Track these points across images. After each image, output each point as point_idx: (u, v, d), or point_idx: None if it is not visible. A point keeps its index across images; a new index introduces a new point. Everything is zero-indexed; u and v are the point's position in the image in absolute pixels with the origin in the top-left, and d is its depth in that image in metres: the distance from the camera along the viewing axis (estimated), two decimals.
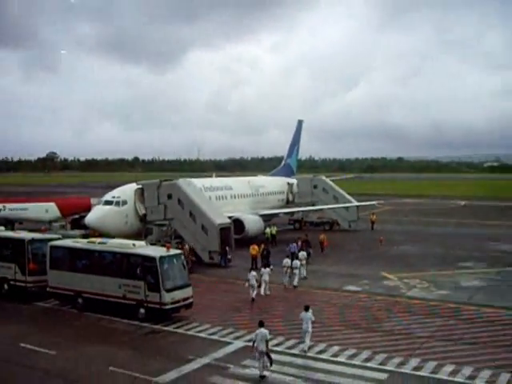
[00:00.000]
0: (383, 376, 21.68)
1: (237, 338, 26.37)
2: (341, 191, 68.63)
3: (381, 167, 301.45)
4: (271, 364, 22.18)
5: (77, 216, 58.20)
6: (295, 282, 36.82)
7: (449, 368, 22.35)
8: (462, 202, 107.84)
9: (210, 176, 71.50)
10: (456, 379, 21.34)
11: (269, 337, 22.22)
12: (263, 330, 21.97)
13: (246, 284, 33.54)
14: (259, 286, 34.20)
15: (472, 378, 21.43)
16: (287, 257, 39.30)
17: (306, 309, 25.07)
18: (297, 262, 37.36)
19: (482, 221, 76.94)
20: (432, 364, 22.82)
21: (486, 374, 21.75)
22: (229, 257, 43.51)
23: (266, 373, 21.77)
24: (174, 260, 29.75)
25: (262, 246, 42.80)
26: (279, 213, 65.67)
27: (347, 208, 66.45)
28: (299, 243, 44.72)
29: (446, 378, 21.51)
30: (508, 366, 22.57)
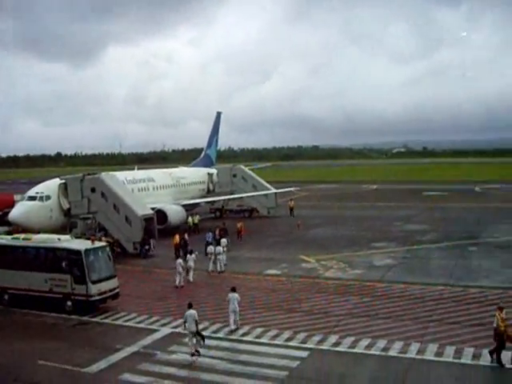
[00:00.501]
0: (304, 354, 22.79)
1: (163, 325, 27.11)
2: (259, 179, 70.05)
3: (297, 155, 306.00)
4: (203, 342, 23.35)
5: (0, 213, 56.87)
6: (219, 268, 38.03)
7: (365, 342, 23.77)
8: (374, 186, 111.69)
9: (132, 169, 71.30)
10: (371, 352, 22.76)
11: (197, 317, 23.20)
12: (192, 311, 23.13)
13: (180, 269, 34.46)
14: (187, 273, 35.17)
15: (386, 349, 22.91)
16: (211, 244, 40.45)
17: (233, 290, 26.38)
18: (220, 248, 38.44)
19: (391, 203, 80.00)
20: (350, 339, 24.17)
21: (398, 345, 23.30)
22: (147, 247, 44.07)
23: (199, 350, 22.79)
24: (100, 252, 30.20)
25: (177, 236, 43.53)
26: (200, 202, 66.57)
27: (266, 195, 67.95)
28: (217, 232, 45.75)
29: (362, 351, 22.89)
30: (418, 336, 24.29)
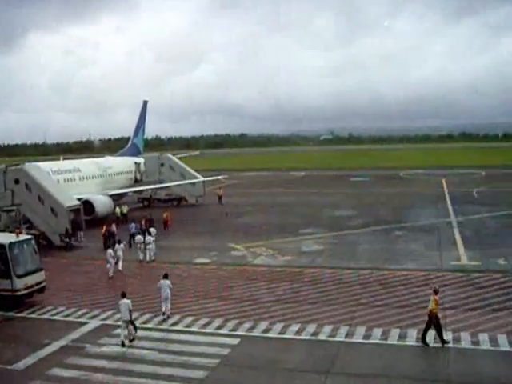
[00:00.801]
0: (235, 341, 22.93)
1: (92, 317, 26.66)
2: (187, 168, 69.83)
3: (225, 143, 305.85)
4: (136, 331, 23.37)
5: None
6: (149, 257, 37.88)
7: (295, 327, 24.10)
8: (302, 173, 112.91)
9: (58, 159, 69.67)
10: (301, 337, 23.12)
11: (131, 306, 23.17)
12: (126, 300, 23.13)
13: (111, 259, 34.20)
14: (116, 263, 34.77)
15: (316, 334, 23.31)
16: (139, 233, 40.15)
17: (165, 276, 26.42)
18: (150, 238, 38.17)
19: (319, 189, 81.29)
20: (279, 325, 24.45)
21: (327, 329, 23.74)
22: (72, 241, 43.27)
23: (131, 340, 22.99)
24: (25, 245, 29.32)
25: (105, 227, 43.01)
26: (128, 192, 65.71)
27: (194, 184, 67.81)
28: (143, 222, 45.39)
29: (292, 336, 23.23)
30: (347, 319, 24.82)
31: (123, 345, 22.55)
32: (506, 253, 36.45)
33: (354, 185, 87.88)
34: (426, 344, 21.66)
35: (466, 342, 21.86)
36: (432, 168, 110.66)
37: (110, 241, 40.78)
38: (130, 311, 23.05)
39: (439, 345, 21.64)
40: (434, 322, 21.83)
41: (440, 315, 22.54)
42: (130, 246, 40.52)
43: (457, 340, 22.06)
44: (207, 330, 24.35)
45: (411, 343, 22.03)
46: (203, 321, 25.54)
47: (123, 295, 23.51)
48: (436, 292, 22.52)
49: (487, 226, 47.28)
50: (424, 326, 22.19)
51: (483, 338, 22.24)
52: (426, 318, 22.11)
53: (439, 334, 21.84)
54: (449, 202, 62.29)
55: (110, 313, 26.82)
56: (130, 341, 22.97)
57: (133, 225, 44.07)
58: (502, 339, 22.03)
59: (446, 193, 71.53)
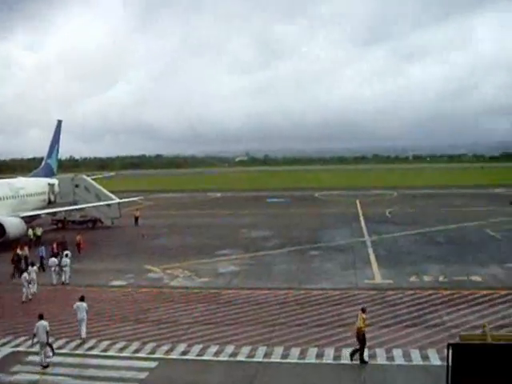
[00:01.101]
0: (153, 364, 22.63)
1: (3, 344, 25.64)
2: (102, 189, 68.65)
3: (141, 164, 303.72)
4: (53, 354, 22.97)
5: None
6: (64, 280, 37.02)
7: (213, 349, 24.03)
8: (218, 194, 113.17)
9: None
10: (220, 358, 23.05)
11: (49, 328, 22.78)
12: (43, 322, 22.75)
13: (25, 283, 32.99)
14: (29, 286, 33.66)
15: (234, 355, 23.32)
16: (51, 256, 39.10)
17: (82, 299, 26.11)
18: (66, 260, 37.36)
19: (236, 211, 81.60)
20: (198, 347, 24.31)
21: (246, 350, 23.80)
22: None
23: (48, 360, 22.58)
24: None
25: (17, 250, 41.57)
26: (41, 214, 63.83)
27: (109, 205, 66.63)
28: (54, 245, 44.27)
29: (210, 358, 23.12)
30: (265, 340, 24.96)
31: (44, 367, 22.08)
32: (418, 270, 37.73)
33: (270, 206, 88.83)
34: (365, 362, 22.07)
35: (381, 357, 22.42)
36: (347, 189, 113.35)
37: (20, 264, 39.42)
38: (47, 333, 22.63)
39: (357, 362, 22.08)
40: (360, 339, 22.24)
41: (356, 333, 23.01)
42: (43, 269, 39.33)
43: (372, 356, 22.58)
44: (124, 354, 23.90)
45: (329, 361, 22.37)
46: (120, 344, 25.05)
47: (40, 317, 23.07)
48: (364, 311, 23.06)
49: (400, 245, 48.76)
50: (352, 345, 22.69)
51: (397, 353, 22.91)
52: (344, 336, 22.58)
53: (361, 352, 22.26)
54: (363, 222, 63.92)
55: (23, 339, 25.90)
56: (45, 367, 22.29)
57: (42, 248, 42.89)
58: (415, 354, 22.77)
59: (360, 213, 73.47)
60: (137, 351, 24.19)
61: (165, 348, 24.41)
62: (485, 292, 32.04)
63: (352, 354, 22.31)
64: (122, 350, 24.45)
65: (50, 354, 22.88)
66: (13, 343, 25.65)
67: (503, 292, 31.85)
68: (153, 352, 24.03)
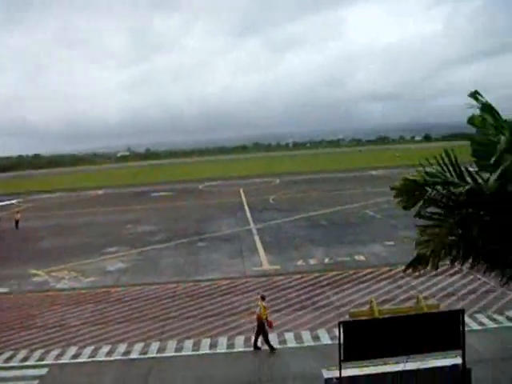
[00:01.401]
0: (44, 371, 21.96)
1: None
2: None
3: (17, 165, 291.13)
4: None
5: None
6: None
7: (105, 349, 23.64)
8: (100, 192, 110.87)
9: None
10: (112, 358, 22.76)
11: None
12: None
13: None
14: None
15: (127, 353, 23.07)
16: None
17: None
18: None
19: (120, 207, 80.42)
20: (89, 349, 23.84)
21: (139, 347, 23.63)
22: None
23: None
24: None
25: None
26: None
27: None
28: None
29: (103, 358, 22.76)
30: (157, 335, 24.87)
31: None
32: (304, 255, 38.83)
33: (154, 200, 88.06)
34: (258, 348, 22.42)
35: (274, 342, 22.86)
36: (230, 179, 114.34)
37: None
38: None
39: (250, 348, 22.50)
40: (259, 326, 22.59)
41: (248, 320, 23.43)
42: None
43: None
44: (12, 364, 22.96)
45: (222, 350, 22.64)
46: (6, 354, 24.05)
47: None
48: (263, 298, 23.43)
49: (285, 231, 49.92)
50: (252, 332, 23.02)
51: (289, 336, 23.57)
52: (236, 324, 22.87)
53: (256, 339, 22.63)
54: (248, 211, 64.84)
55: None
56: None
57: None
58: (306, 335, 23.55)
59: (245, 202, 74.45)
60: (25, 359, 23.34)
61: (55, 353, 23.74)
62: (368, 270, 33.57)
63: (255, 342, 22.67)
64: (8, 359, 23.48)
65: None
66: None
67: (385, 269, 33.47)
68: (42, 358, 23.29)
